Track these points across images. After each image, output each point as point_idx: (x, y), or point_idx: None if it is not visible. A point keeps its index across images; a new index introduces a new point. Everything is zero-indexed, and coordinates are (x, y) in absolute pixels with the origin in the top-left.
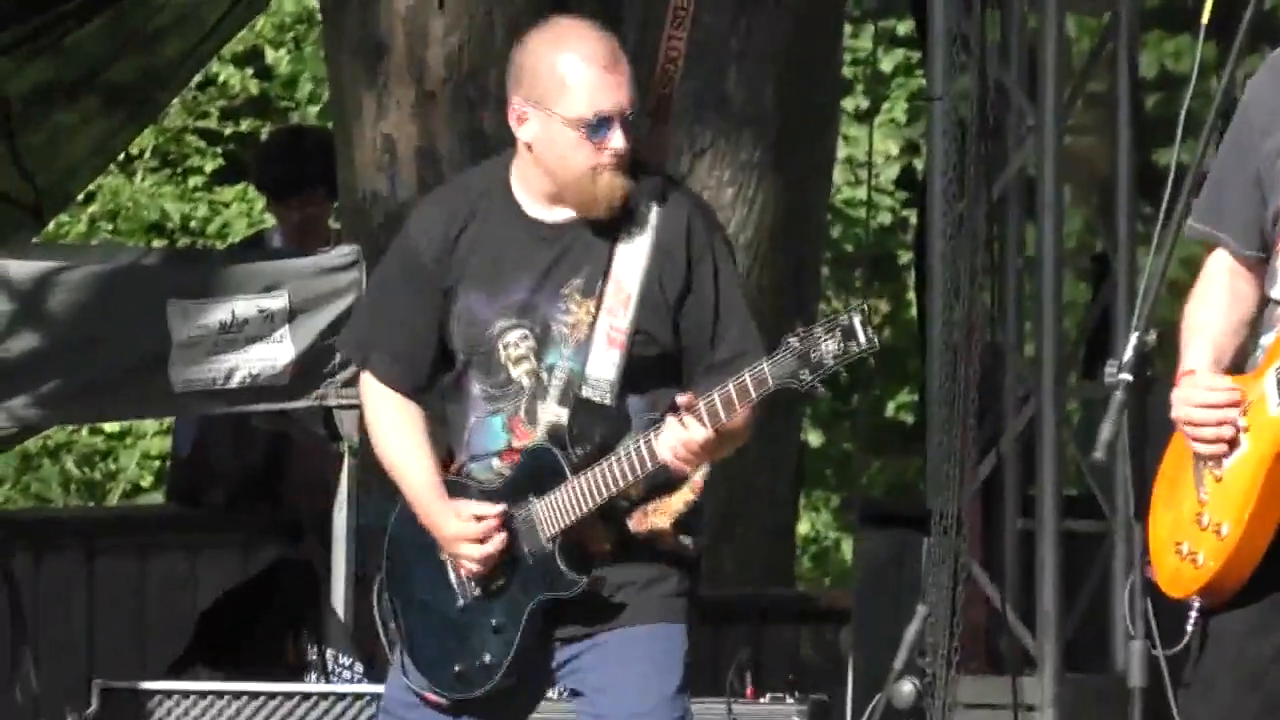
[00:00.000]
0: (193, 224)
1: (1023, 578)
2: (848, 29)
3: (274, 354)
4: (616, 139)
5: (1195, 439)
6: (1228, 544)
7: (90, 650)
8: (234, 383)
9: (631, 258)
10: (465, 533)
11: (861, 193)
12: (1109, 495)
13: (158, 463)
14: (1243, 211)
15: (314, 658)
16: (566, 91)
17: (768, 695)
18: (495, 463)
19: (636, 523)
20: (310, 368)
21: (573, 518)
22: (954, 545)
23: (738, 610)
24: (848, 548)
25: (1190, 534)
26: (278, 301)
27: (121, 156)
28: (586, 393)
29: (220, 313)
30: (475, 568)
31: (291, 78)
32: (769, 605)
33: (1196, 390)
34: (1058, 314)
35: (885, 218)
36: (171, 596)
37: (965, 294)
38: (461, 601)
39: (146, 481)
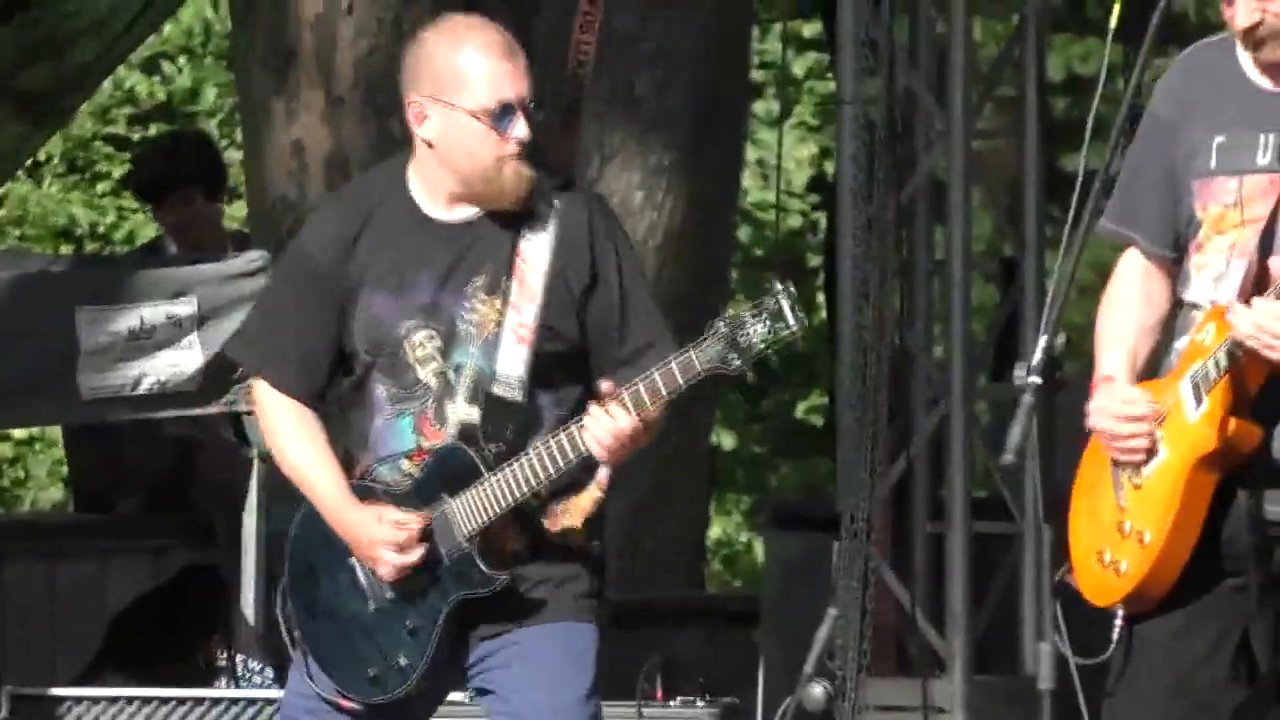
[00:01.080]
0: (100, 230)
1: (933, 580)
2: (756, 32)
3: (183, 360)
4: (520, 128)
5: (1114, 449)
6: (1150, 551)
7: (1, 658)
8: (143, 389)
9: (535, 254)
10: (386, 539)
11: (771, 196)
12: (1018, 498)
13: (66, 469)
14: (1155, 211)
15: (224, 663)
16: (468, 83)
17: (678, 698)
18: (404, 464)
19: (550, 522)
20: (219, 374)
21: (491, 515)
22: (864, 548)
23: (649, 613)
24: (759, 550)
25: (1111, 542)
26: (186, 308)
27: (29, 162)
28: (497, 390)
29: (129, 319)
30: (393, 575)
31: (195, 86)
32: (680, 608)
33: (1114, 402)
34: (966, 317)
35: (795, 221)
36: (82, 603)
37: (874, 297)
38: (373, 605)
39: (56, 489)
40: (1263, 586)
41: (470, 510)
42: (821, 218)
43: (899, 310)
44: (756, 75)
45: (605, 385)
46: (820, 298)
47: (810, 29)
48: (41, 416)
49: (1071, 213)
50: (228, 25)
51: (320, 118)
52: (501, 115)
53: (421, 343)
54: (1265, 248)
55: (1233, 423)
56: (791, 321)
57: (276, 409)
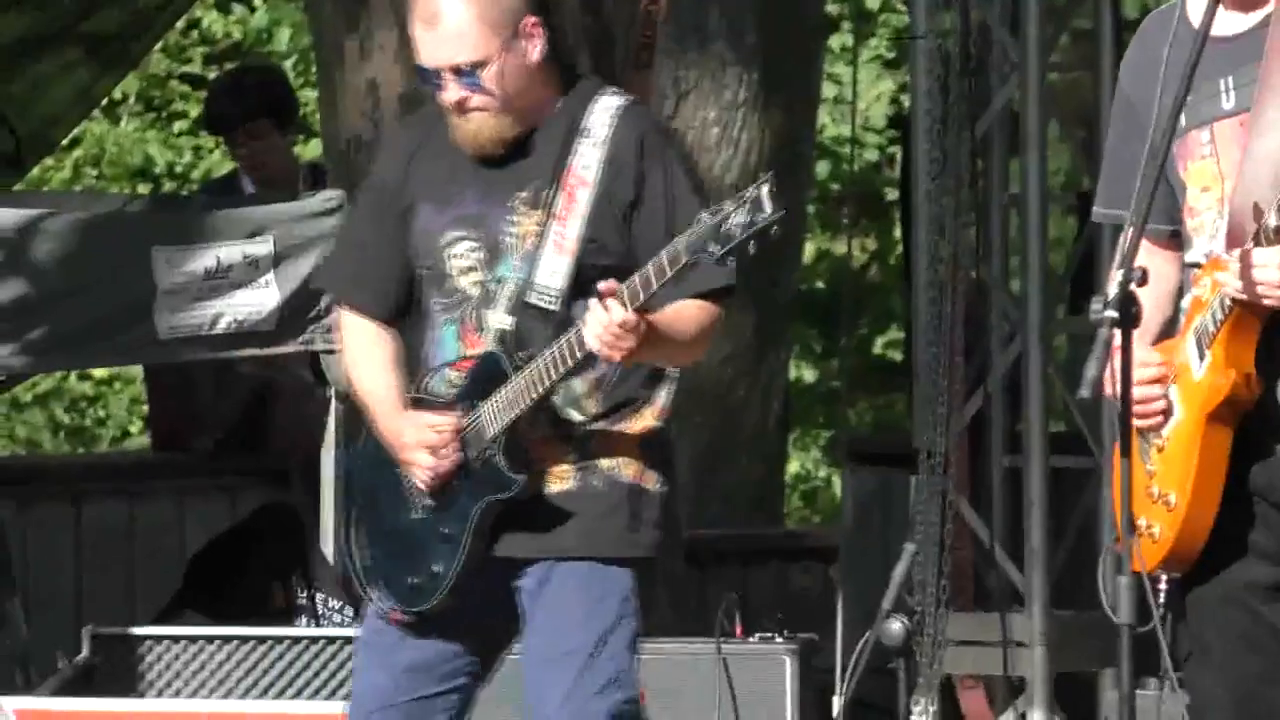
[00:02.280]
0: (177, 169)
1: (1010, 515)
2: None
3: (259, 299)
4: (447, 92)
5: (1134, 414)
6: (1178, 513)
7: (79, 597)
8: (220, 328)
9: (582, 170)
10: (420, 441)
11: (847, 130)
12: (1096, 432)
13: (146, 408)
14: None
15: (304, 602)
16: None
17: (757, 635)
18: (449, 373)
19: (596, 444)
20: (296, 313)
21: (512, 415)
22: (941, 483)
23: (726, 549)
24: (837, 485)
25: (1144, 508)
26: (262, 247)
27: (105, 102)
28: (533, 299)
29: (205, 259)
30: (427, 477)
31: (270, 25)
32: (757, 544)
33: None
34: (1043, 251)
35: (871, 156)
36: (160, 542)
37: (950, 231)
38: (414, 513)
39: (135, 427)
40: None
41: (496, 412)
42: (898, 152)
43: (975, 244)
44: (830, 9)
45: (604, 284)
46: (897, 233)
47: None
48: (119, 356)
49: (1147, 146)
50: None
51: (393, 57)
52: (428, 78)
53: (463, 254)
54: (1237, 191)
55: (1234, 371)
56: (769, 209)
57: (350, 329)
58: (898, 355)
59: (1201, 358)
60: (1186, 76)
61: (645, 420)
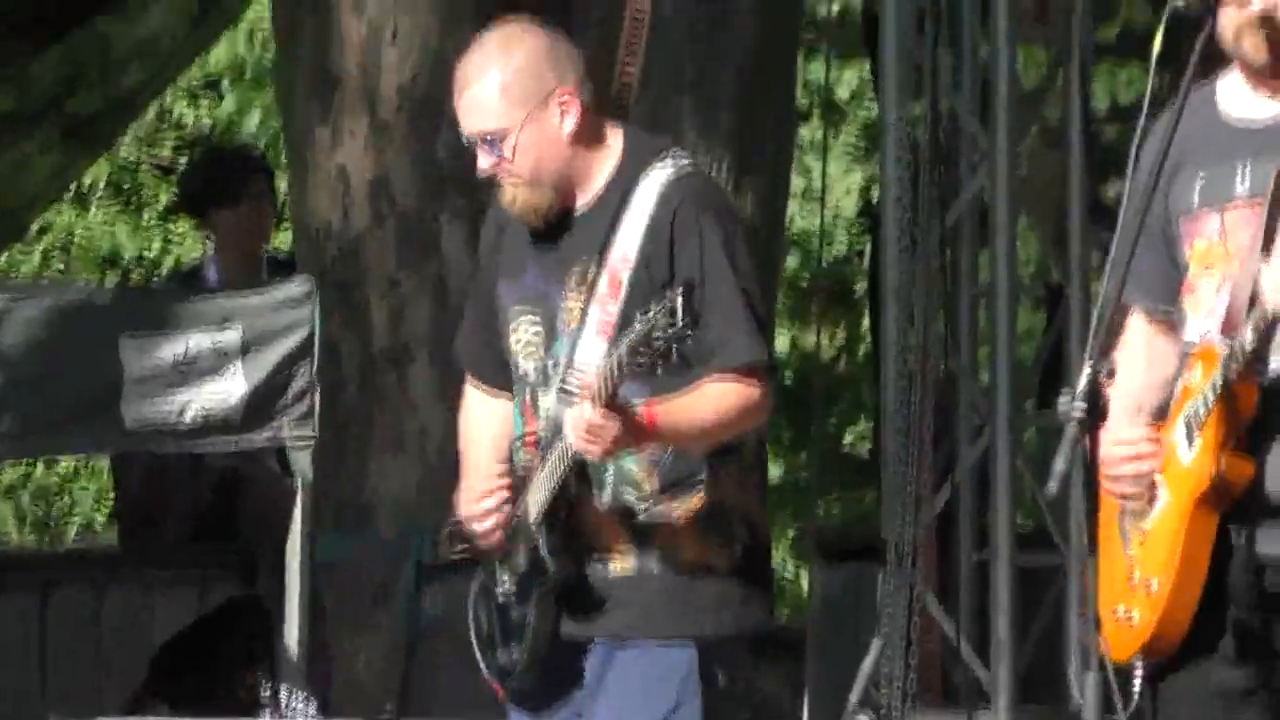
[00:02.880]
0: (146, 257)
1: (977, 610)
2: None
3: (227, 389)
4: (479, 159)
5: (1116, 491)
6: (1159, 599)
7: (45, 688)
8: (187, 419)
9: (625, 245)
10: (464, 513)
11: (818, 222)
12: (1063, 527)
13: (113, 499)
14: (1153, 269)
15: (268, 695)
16: None
17: None
18: (521, 450)
19: (655, 524)
20: (263, 403)
21: (541, 502)
22: (909, 577)
23: None
24: (805, 579)
25: (1124, 595)
26: (231, 336)
27: (75, 189)
28: (570, 381)
29: (173, 348)
30: (484, 542)
31: (239, 109)
32: None
33: (1110, 444)
34: (1012, 343)
35: (841, 248)
36: (127, 634)
37: (919, 322)
38: (500, 596)
39: (102, 519)
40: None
41: (535, 500)
42: (867, 245)
43: (944, 335)
44: (801, 101)
45: (574, 379)
46: (866, 325)
47: (850, 67)
48: (87, 445)
49: (1115, 240)
50: (267, 53)
51: (364, 144)
52: (469, 144)
53: (525, 330)
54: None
55: (1225, 458)
56: (680, 319)
57: (465, 398)
58: (866, 448)
59: (1191, 443)
60: (1161, 151)
61: (706, 496)
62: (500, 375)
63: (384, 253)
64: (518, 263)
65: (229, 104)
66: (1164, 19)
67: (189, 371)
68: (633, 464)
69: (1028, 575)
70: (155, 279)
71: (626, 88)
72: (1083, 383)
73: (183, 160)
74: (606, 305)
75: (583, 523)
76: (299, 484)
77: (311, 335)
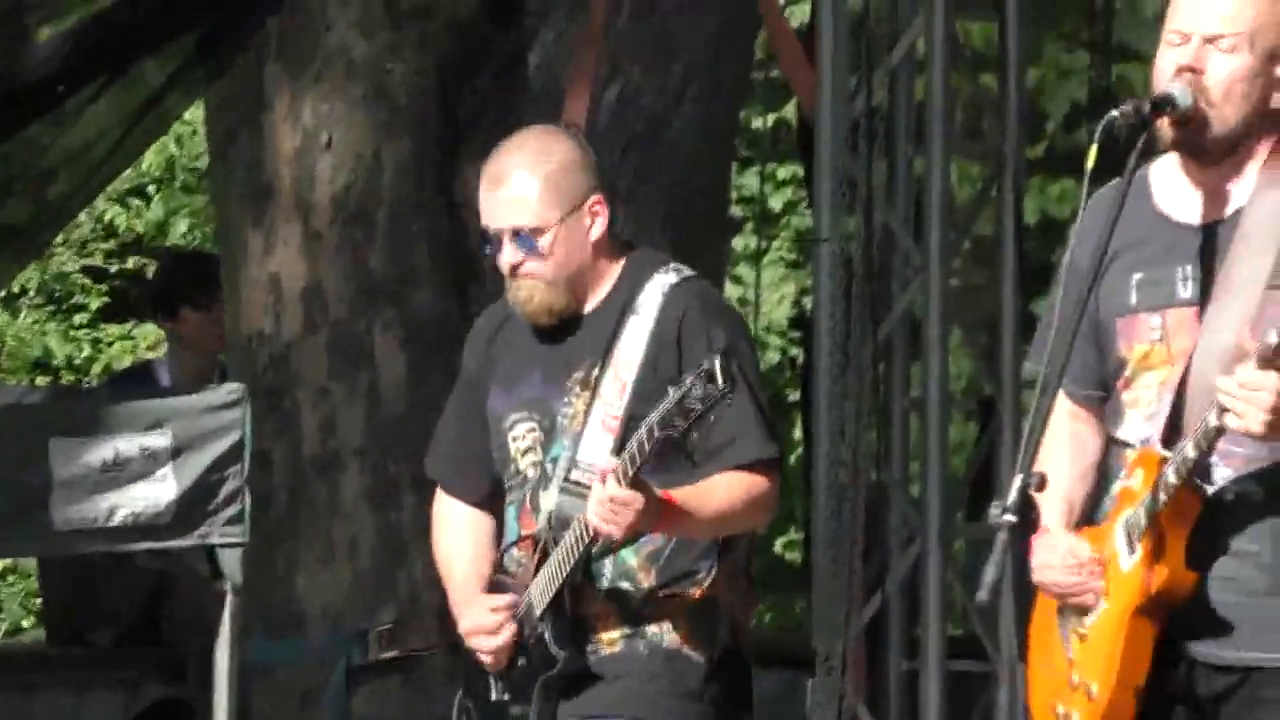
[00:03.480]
0: (76, 362)
1: (908, 718)
2: (734, 167)
3: (156, 492)
4: (503, 255)
5: (1061, 601)
6: (1098, 706)
7: None
8: (116, 521)
9: (630, 348)
10: (478, 626)
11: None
12: (993, 636)
13: (40, 601)
14: (1079, 353)
15: None
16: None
17: None
18: (515, 552)
19: (648, 612)
20: (193, 506)
21: (551, 592)
22: (839, 686)
23: None
24: None
25: (1063, 695)
26: (161, 440)
27: (6, 294)
28: (576, 476)
29: (102, 451)
30: (489, 660)
31: (167, 216)
32: None
33: (1054, 554)
34: (944, 455)
35: (774, 356)
36: None
37: (851, 434)
38: (494, 695)
39: (29, 622)
40: None
41: (541, 590)
42: (799, 354)
43: (876, 448)
44: (735, 211)
45: (604, 460)
46: (798, 434)
47: (785, 170)
48: (14, 548)
49: (1047, 355)
50: (196, 159)
51: (298, 252)
52: (491, 241)
53: (523, 435)
54: (1187, 380)
55: (1164, 569)
56: (721, 381)
57: (439, 509)
58: (797, 556)
59: (1131, 550)
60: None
61: (699, 591)
62: (479, 489)
63: (316, 361)
64: (514, 370)
65: (156, 209)
66: (1098, 132)
67: (119, 474)
68: (631, 558)
69: (957, 683)
70: (85, 383)
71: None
72: (1013, 493)
73: (114, 266)
74: (611, 405)
75: (584, 614)
76: (228, 587)
77: (242, 440)
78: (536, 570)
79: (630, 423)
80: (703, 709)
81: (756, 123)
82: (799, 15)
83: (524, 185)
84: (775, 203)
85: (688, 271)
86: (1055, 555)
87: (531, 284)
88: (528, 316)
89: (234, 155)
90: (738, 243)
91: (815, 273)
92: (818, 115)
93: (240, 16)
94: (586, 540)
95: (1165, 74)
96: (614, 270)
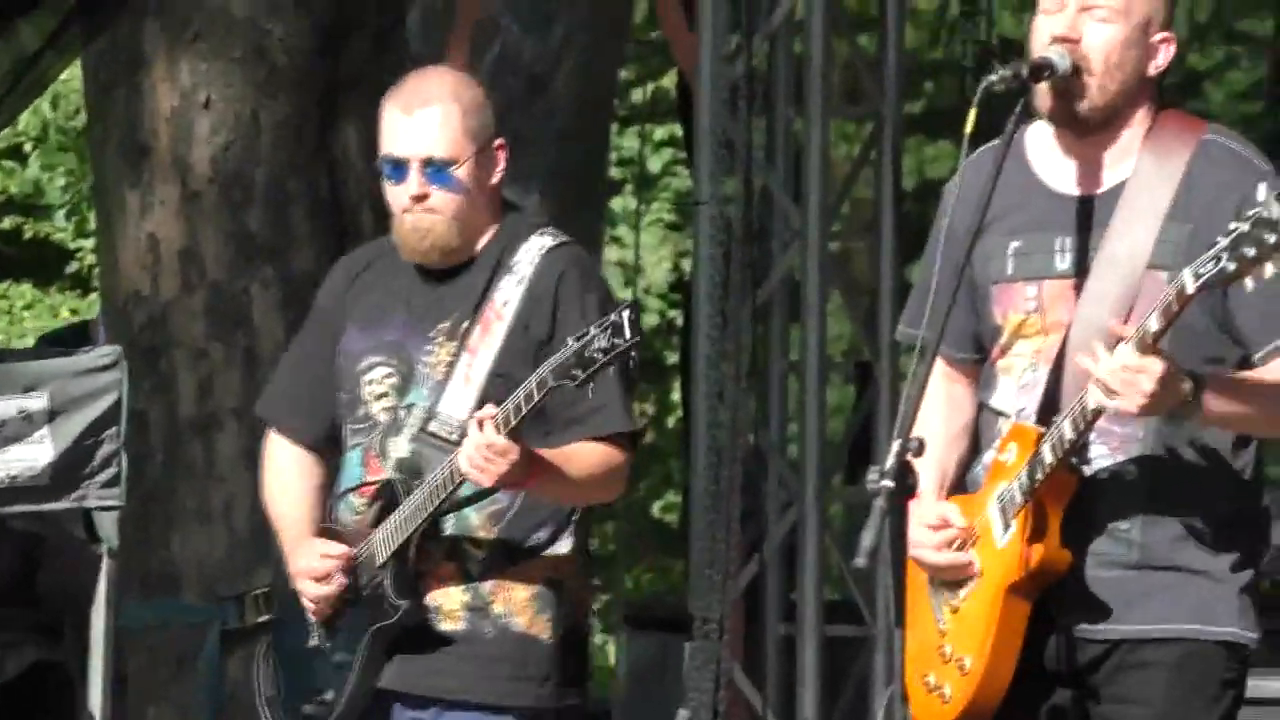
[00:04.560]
0: None
1: (785, 682)
2: (614, 129)
3: (33, 454)
4: (407, 184)
5: (932, 571)
6: (972, 679)
7: None
8: None
9: (501, 305)
10: (308, 570)
11: (630, 294)
12: (870, 602)
13: None
14: (955, 317)
15: None
16: (381, 132)
17: None
18: (353, 499)
19: (491, 587)
20: (70, 469)
21: (398, 541)
22: (716, 650)
23: None
24: (613, 650)
25: (935, 666)
26: (37, 402)
27: None
28: (434, 428)
29: None
30: (312, 605)
31: (44, 173)
32: None
33: (925, 523)
34: (821, 419)
35: (653, 319)
36: None
37: (729, 397)
38: (313, 640)
39: None
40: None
41: (386, 539)
42: (679, 316)
43: (753, 411)
44: (615, 172)
45: (481, 411)
46: (676, 397)
47: (663, 131)
48: None
49: (926, 318)
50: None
51: (175, 212)
52: (394, 169)
53: (379, 379)
54: (1063, 355)
55: (1040, 547)
56: (628, 334)
57: (274, 455)
58: (675, 519)
59: (1006, 526)
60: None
61: (543, 569)
62: (317, 430)
63: (193, 322)
64: (375, 312)
65: (32, 168)
66: (977, 95)
67: None
68: (474, 515)
69: (834, 648)
70: None
71: None
72: (891, 458)
73: None
74: (478, 358)
75: (424, 568)
76: (104, 550)
77: (119, 402)
78: (380, 518)
79: (495, 379)
80: (548, 690)
81: (636, 93)
82: None
83: (443, 114)
84: (654, 165)
85: (564, 237)
86: (925, 524)
87: (433, 219)
88: (417, 254)
89: (111, 115)
90: (617, 204)
91: (694, 235)
92: (698, 78)
93: None
94: (450, 488)
95: (1041, 40)
96: (491, 224)
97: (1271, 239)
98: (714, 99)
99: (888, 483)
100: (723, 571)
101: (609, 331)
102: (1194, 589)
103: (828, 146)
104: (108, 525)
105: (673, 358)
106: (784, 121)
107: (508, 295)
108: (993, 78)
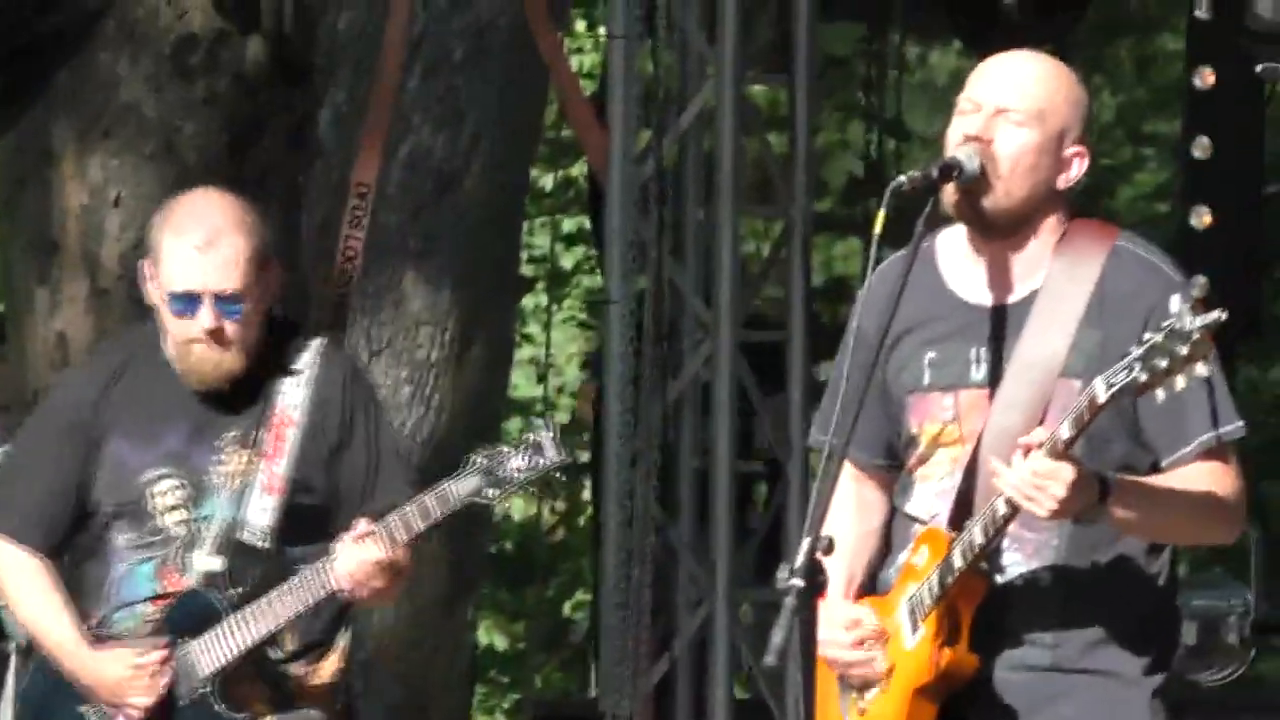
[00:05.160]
0: None
1: None
2: (525, 226)
3: None
4: (204, 317)
5: (841, 671)
6: None
7: None
8: None
9: (290, 409)
10: (129, 678)
11: (542, 391)
12: (780, 701)
13: None
14: (866, 422)
15: None
16: (162, 262)
17: None
18: (143, 608)
19: (294, 690)
20: None
21: (230, 655)
22: None
23: None
24: None
25: None
26: None
27: None
28: (243, 537)
29: None
30: (138, 715)
31: None
32: None
33: (836, 625)
34: (731, 518)
35: (565, 416)
36: None
37: (639, 495)
38: None
39: None
40: None
41: (211, 651)
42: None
43: (663, 510)
44: (526, 269)
45: (362, 522)
46: (587, 495)
47: (571, 223)
48: None
49: (835, 418)
50: None
51: (84, 309)
52: (187, 303)
53: (166, 491)
54: (976, 461)
55: (949, 651)
56: (552, 455)
57: (10, 561)
58: (585, 618)
59: (915, 629)
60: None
61: (332, 665)
62: (53, 540)
63: None
64: (150, 423)
65: None
66: (886, 196)
67: None
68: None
69: None
70: None
71: (350, 260)
72: (801, 556)
73: None
74: (274, 465)
75: (239, 678)
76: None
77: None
78: (188, 628)
79: (294, 483)
80: None
81: (545, 179)
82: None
83: (235, 248)
84: (566, 261)
85: (324, 335)
86: (836, 625)
87: (224, 352)
88: (205, 383)
89: (21, 210)
90: (528, 301)
91: (606, 334)
92: (609, 177)
93: (28, 72)
94: (311, 602)
95: (955, 140)
96: (266, 332)
97: (1184, 351)
98: (624, 199)
99: (798, 581)
100: (633, 668)
101: (527, 451)
102: (1105, 691)
103: (738, 245)
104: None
105: (585, 456)
106: (694, 219)
107: (294, 398)
108: (902, 179)
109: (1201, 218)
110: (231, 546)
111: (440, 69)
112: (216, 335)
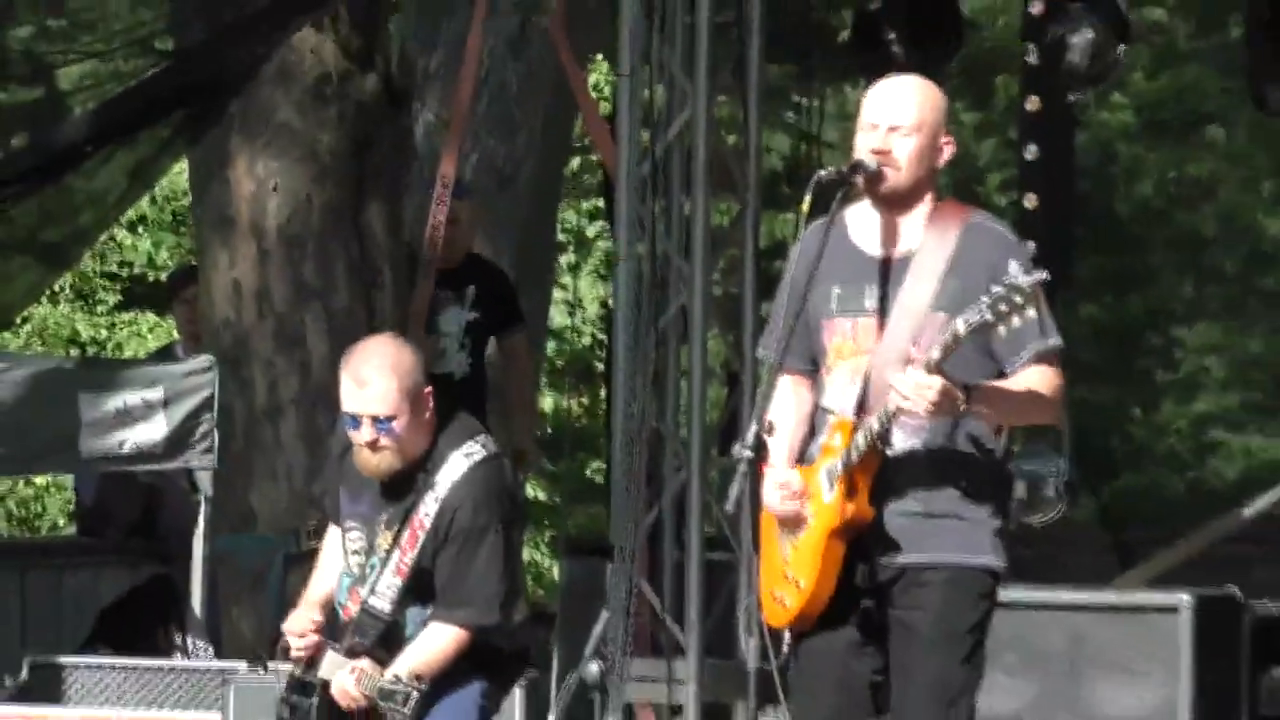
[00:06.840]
0: (98, 340)
1: (676, 592)
2: (562, 206)
3: (153, 431)
4: (362, 433)
5: (777, 515)
6: (804, 593)
7: (24, 638)
8: (125, 450)
9: (424, 517)
10: (291, 627)
11: (572, 322)
12: (737, 536)
13: (73, 506)
14: (797, 341)
15: (179, 642)
16: (340, 391)
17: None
18: (341, 609)
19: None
20: (178, 440)
21: (326, 676)
22: (629, 569)
23: None
24: (557, 571)
25: (780, 584)
26: (155, 394)
27: (49, 292)
28: (372, 602)
29: (115, 402)
30: (296, 640)
31: (154, 243)
32: None
33: (775, 483)
34: (703, 410)
35: (587, 340)
36: (83, 601)
37: (639, 396)
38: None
39: (65, 519)
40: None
41: (331, 663)
42: (605, 338)
43: (655, 405)
44: (562, 237)
45: (364, 660)
46: (602, 393)
47: (588, 203)
48: (55, 468)
49: (776, 337)
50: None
51: (251, 265)
52: (353, 420)
53: (355, 539)
54: (870, 371)
55: (853, 504)
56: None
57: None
58: (601, 478)
59: (830, 488)
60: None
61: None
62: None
63: (265, 341)
64: (356, 487)
65: (144, 242)
66: (810, 185)
67: (126, 418)
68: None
69: (711, 569)
70: (103, 354)
71: (435, 230)
72: (750, 436)
73: (125, 272)
74: (405, 554)
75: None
76: (202, 498)
77: (212, 396)
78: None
79: (416, 569)
80: None
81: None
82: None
83: (384, 386)
84: (590, 231)
85: (483, 451)
86: (775, 484)
87: (380, 455)
88: (369, 473)
89: (209, 197)
90: (563, 260)
91: (615, 283)
92: (618, 174)
93: (213, 102)
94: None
95: (862, 150)
96: (428, 442)
97: (1019, 300)
98: (629, 188)
99: (748, 453)
100: (634, 516)
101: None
102: (961, 530)
103: (708, 220)
104: (205, 480)
105: (600, 366)
106: (677, 203)
107: (428, 509)
108: (822, 172)
109: (1031, 202)
110: (363, 604)
111: (501, 98)
112: (372, 445)
